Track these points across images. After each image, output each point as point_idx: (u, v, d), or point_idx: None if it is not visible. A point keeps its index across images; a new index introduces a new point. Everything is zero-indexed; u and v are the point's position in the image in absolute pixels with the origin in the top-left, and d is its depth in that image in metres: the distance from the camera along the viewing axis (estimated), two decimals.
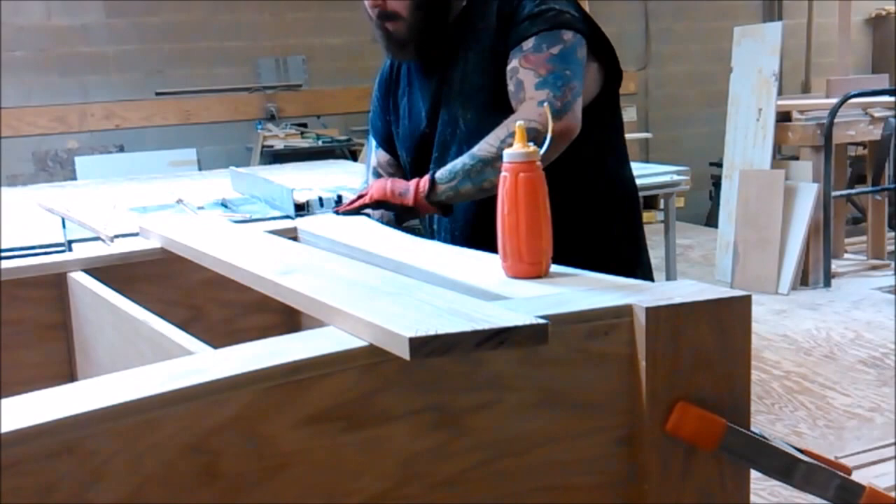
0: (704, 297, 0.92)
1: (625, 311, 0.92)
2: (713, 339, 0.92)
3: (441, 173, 1.67)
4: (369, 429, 0.83)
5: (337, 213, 1.84)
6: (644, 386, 0.90)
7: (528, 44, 1.64)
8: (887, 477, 2.57)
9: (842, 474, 0.91)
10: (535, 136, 1.47)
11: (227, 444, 0.77)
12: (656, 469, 0.92)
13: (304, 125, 6.56)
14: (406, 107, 1.92)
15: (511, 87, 1.66)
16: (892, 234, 5.71)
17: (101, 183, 3.55)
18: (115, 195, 2.82)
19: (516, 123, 1.54)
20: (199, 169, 6.08)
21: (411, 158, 1.88)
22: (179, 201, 2.43)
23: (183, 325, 1.14)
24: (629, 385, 0.92)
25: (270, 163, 5.62)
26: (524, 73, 1.64)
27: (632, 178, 1.92)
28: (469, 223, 1.78)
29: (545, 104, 1.54)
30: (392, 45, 1.82)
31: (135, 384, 0.77)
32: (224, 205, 2.37)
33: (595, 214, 1.79)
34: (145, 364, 0.85)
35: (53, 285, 1.48)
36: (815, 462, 0.91)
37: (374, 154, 2.03)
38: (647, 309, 0.90)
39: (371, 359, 0.84)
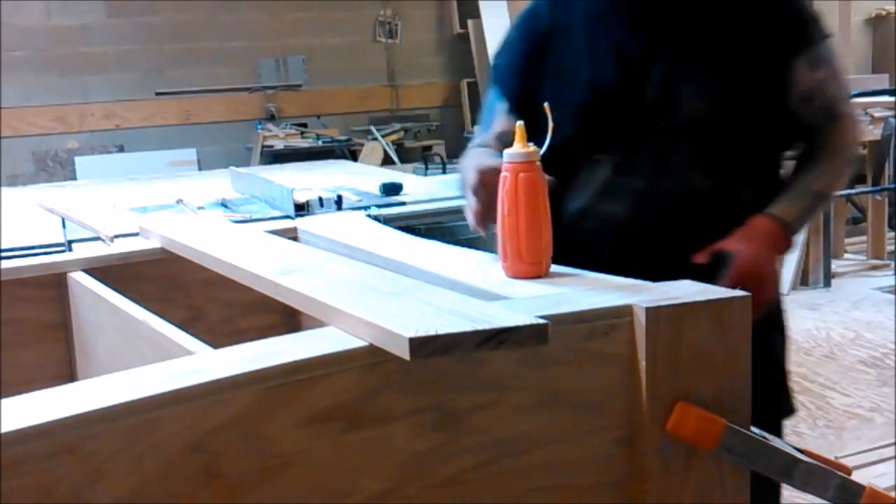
0: (704, 297, 0.92)
1: (625, 311, 0.92)
2: (713, 339, 0.92)
3: (792, 217, 1.44)
4: (369, 429, 0.83)
5: None
6: (644, 386, 0.90)
7: (823, 51, 1.50)
8: (887, 477, 2.57)
9: (842, 474, 0.91)
10: (855, 154, 1.52)
11: (227, 444, 0.77)
12: (656, 469, 0.92)
13: (304, 125, 6.56)
14: (584, 61, 1.50)
15: (820, 101, 1.48)
16: (892, 234, 5.71)
17: (101, 183, 3.55)
18: (115, 195, 2.82)
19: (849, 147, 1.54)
20: (199, 169, 6.08)
21: (579, 126, 1.46)
22: (179, 201, 2.43)
23: (183, 325, 1.14)
24: (629, 385, 0.92)
25: (270, 163, 5.62)
26: (832, 86, 1.50)
27: None
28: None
29: (854, 119, 1.54)
30: None
31: (135, 384, 0.77)
32: (224, 205, 2.37)
33: None
34: (145, 364, 0.85)
35: (53, 285, 1.48)
36: (815, 462, 0.91)
37: (501, 118, 1.61)
38: (647, 309, 0.90)
39: (371, 359, 0.84)
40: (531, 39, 1.56)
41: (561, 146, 1.33)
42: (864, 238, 5.64)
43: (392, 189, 2.81)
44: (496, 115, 1.62)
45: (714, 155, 1.44)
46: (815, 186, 1.48)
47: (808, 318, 4.29)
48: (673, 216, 1.43)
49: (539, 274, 1.14)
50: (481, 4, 6.60)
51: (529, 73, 1.55)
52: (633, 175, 1.44)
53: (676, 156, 1.43)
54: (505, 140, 1.52)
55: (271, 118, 6.56)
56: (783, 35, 1.48)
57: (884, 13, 7.93)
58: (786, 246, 1.44)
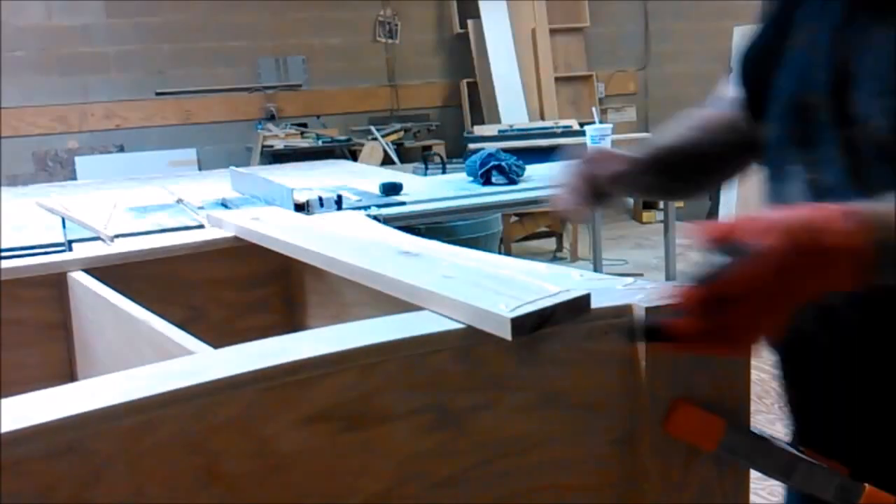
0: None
1: (625, 311, 0.92)
2: None
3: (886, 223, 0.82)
4: (369, 429, 0.83)
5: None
6: (644, 386, 0.90)
7: None
8: None
9: (842, 474, 0.91)
10: None
11: (227, 444, 0.77)
12: (656, 469, 0.92)
13: (304, 125, 6.57)
14: (803, 48, 1.11)
15: None
16: None
17: (101, 183, 3.56)
18: (115, 195, 2.82)
19: None
20: (199, 169, 6.09)
21: (782, 132, 1.12)
22: (179, 201, 2.43)
23: (183, 325, 1.14)
24: (629, 385, 0.92)
25: (270, 163, 5.63)
26: None
27: None
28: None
29: None
30: None
31: (135, 384, 0.77)
32: (224, 205, 2.37)
33: None
34: (145, 364, 0.85)
35: (53, 285, 1.48)
36: (815, 462, 0.91)
37: (722, 103, 1.31)
38: (647, 309, 0.90)
39: (371, 359, 0.84)
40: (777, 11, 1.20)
41: (769, 150, 1.13)
42: None
43: (392, 189, 2.82)
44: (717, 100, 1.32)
45: None
46: None
47: None
48: None
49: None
50: (481, 4, 6.61)
51: (767, 52, 1.18)
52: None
53: (868, 182, 0.99)
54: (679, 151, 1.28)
55: (271, 118, 6.56)
56: None
57: None
58: (856, 264, 0.81)
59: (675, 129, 1.32)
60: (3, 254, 1.80)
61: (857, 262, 0.80)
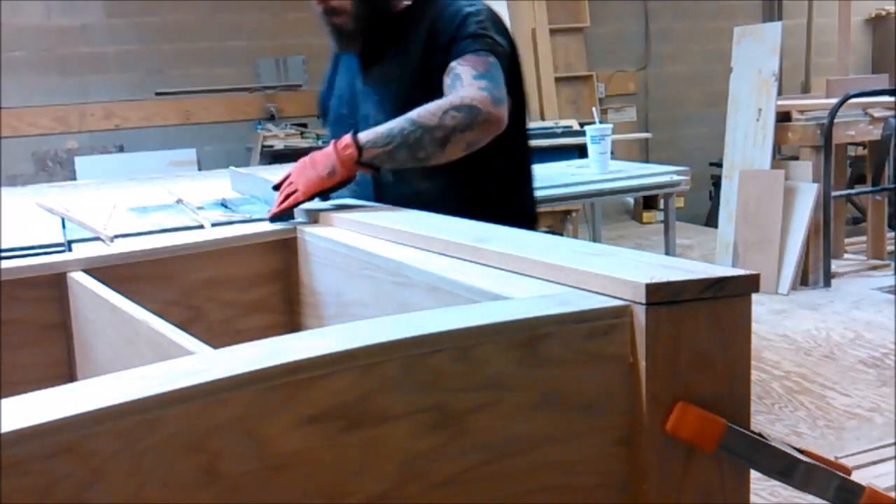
0: (705, 296, 0.92)
1: (624, 311, 0.92)
2: (713, 339, 0.92)
3: (372, 136, 1.69)
4: (369, 429, 0.83)
5: (271, 220, 1.70)
6: (644, 386, 0.90)
7: (467, 52, 1.80)
8: (887, 477, 2.57)
9: (842, 474, 0.91)
10: (473, 114, 1.69)
11: (227, 444, 0.77)
12: (656, 469, 0.92)
13: (304, 125, 6.56)
14: (337, 85, 2.10)
15: (447, 81, 1.77)
16: (892, 234, 5.71)
17: (101, 183, 3.55)
18: (115, 195, 2.82)
19: (460, 98, 1.70)
20: (199, 169, 6.09)
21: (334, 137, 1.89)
22: (179, 201, 2.43)
23: (183, 325, 1.14)
24: (629, 385, 0.92)
25: (270, 163, 5.63)
26: (462, 68, 1.77)
27: (531, 204, 2.12)
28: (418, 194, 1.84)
29: (485, 91, 1.71)
30: (340, 39, 1.97)
31: (135, 384, 0.77)
32: (224, 205, 2.37)
33: None
34: (145, 364, 0.85)
35: (53, 285, 1.48)
36: (815, 462, 0.91)
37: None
38: (647, 309, 0.90)
39: (371, 359, 0.84)
40: (331, 65, 2.17)
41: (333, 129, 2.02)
42: (864, 238, 5.64)
43: None
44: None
45: None
46: (413, 116, 1.69)
47: (808, 318, 4.30)
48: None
49: None
50: None
51: (329, 85, 2.16)
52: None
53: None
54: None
55: (271, 118, 6.56)
56: (444, 51, 1.83)
57: (884, 13, 7.94)
58: (354, 156, 1.67)
59: None
60: (3, 254, 1.80)
61: (346, 158, 1.68)
